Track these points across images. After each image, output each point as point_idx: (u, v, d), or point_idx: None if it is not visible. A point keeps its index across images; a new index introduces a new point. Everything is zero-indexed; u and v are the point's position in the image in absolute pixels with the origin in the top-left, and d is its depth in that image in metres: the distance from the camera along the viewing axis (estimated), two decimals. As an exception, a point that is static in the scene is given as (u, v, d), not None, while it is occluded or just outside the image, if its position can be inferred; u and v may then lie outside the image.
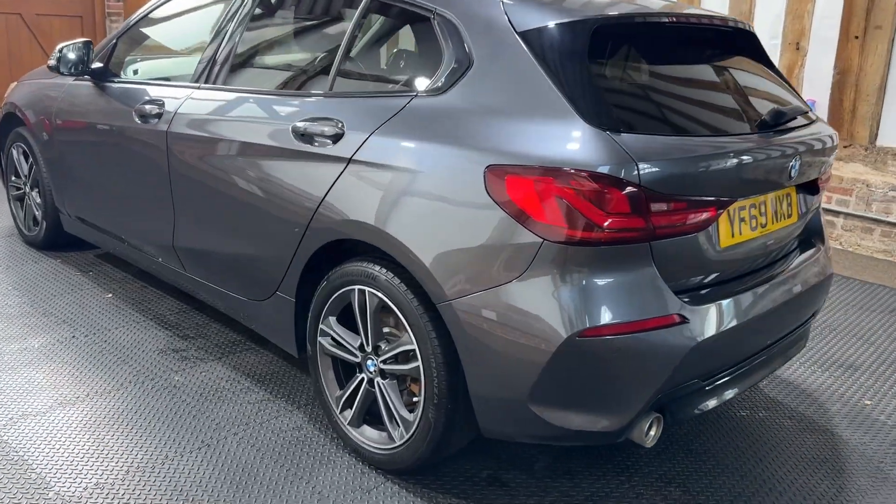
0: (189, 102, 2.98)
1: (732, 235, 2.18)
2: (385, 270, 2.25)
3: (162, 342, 3.24)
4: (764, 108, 2.40)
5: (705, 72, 2.48)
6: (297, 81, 2.80)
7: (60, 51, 3.45)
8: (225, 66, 2.94)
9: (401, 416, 2.31)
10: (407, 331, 2.22)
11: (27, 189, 4.28)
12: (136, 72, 3.64)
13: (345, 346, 2.45)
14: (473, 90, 2.15)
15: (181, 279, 3.23)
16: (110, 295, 3.73)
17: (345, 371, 2.54)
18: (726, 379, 2.26)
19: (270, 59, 3.07)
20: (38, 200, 4.18)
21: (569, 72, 2.07)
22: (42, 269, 4.01)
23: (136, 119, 3.18)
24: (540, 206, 1.93)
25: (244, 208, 2.71)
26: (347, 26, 2.58)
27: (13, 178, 4.41)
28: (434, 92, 2.23)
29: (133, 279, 3.94)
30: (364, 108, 2.37)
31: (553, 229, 1.92)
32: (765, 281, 2.33)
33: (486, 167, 2.01)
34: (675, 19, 2.34)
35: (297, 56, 3.03)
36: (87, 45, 3.47)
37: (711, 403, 2.23)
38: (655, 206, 1.94)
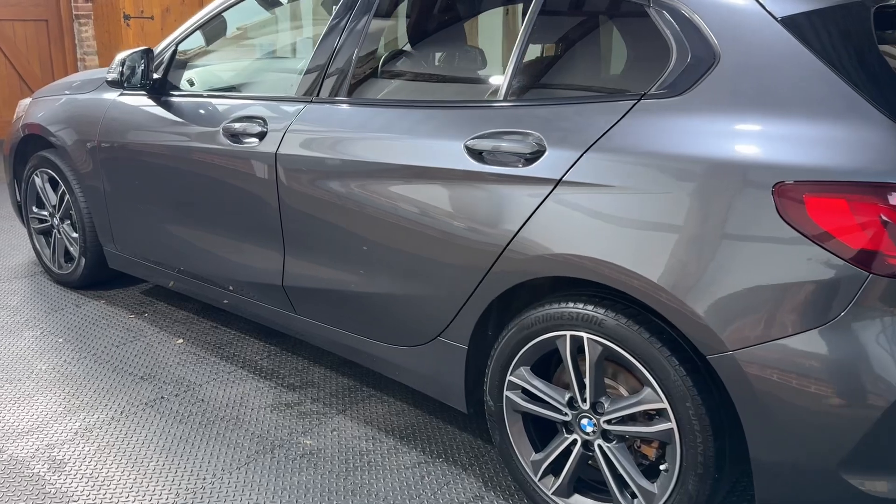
0: (304, 119, 2.52)
1: None
2: (614, 314, 1.86)
3: (268, 396, 2.79)
4: None
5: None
6: (457, 89, 2.37)
7: (124, 63, 2.94)
8: (347, 74, 2.48)
9: (638, 486, 1.93)
10: (652, 386, 1.84)
11: (56, 222, 3.74)
12: (196, 83, 3.15)
13: (547, 402, 2.06)
14: (726, 89, 1.77)
15: (286, 321, 2.78)
16: (181, 340, 3.25)
17: (539, 429, 2.15)
18: None
19: (412, 63, 2.63)
20: (74, 234, 3.65)
21: (857, 63, 1.70)
22: (89, 315, 3.50)
23: (225, 139, 2.70)
24: (860, 231, 1.57)
25: (394, 242, 2.28)
26: (520, 20, 2.17)
27: (35, 209, 3.86)
28: (666, 93, 1.84)
29: (198, 318, 3.46)
30: (569, 117, 1.96)
31: (881, 259, 1.56)
32: None
33: (774, 185, 1.63)
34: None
35: (450, 59, 2.60)
36: (149, 54, 2.97)
37: None
38: None
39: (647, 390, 1.86)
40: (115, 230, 3.39)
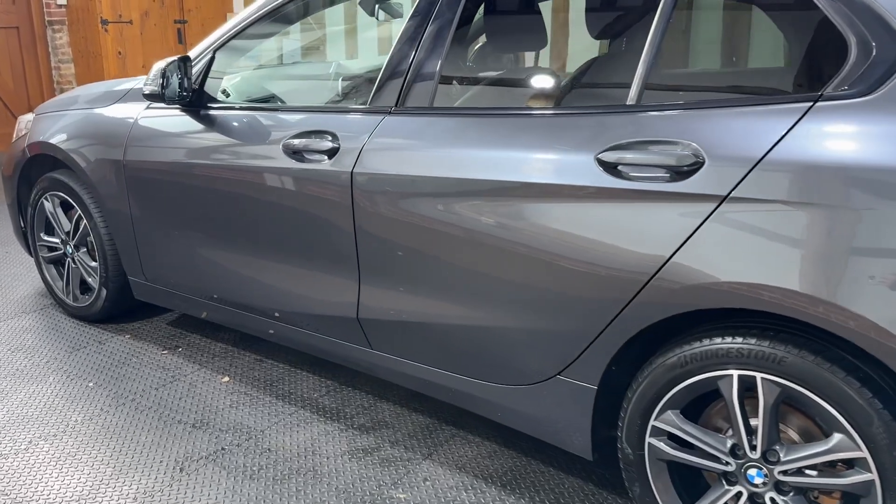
0: (384, 132, 2.23)
1: None
2: (797, 349, 1.61)
3: (340, 441, 2.50)
4: None
5: None
6: (577, 94, 2.10)
7: (163, 73, 2.61)
8: (434, 81, 2.20)
9: (823, 543, 1.69)
10: (846, 432, 1.59)
11: (69, 249, 3.39)
12: (237, 94, 2.84)
13: (703, 451, 1.80)
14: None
15: (355, 355, 2.48)
16: (226, 378, 2.93)
17: (684, 477, 1.90)
18: None
19: (508, 67, 2.34)
20: (92, 263, 3.31)
21: None
22: (116, 352, 3.16)
23: (286, 157, 2.40)
24: None
25: (507, 271, 2.00)
26: (647, 15, 1.90)
27: (43, 235, 3.50)
28: (848, 93, 1.59)
29: (238, 350, 3.15)
30: (730, 124, 1.70)
31: None
32: None
33: None
34: None
35: (560, 58, 2.32)
36: (187, 63, 2.65)
37: None
38: None
39: (839, 436, 1.61)
40: (143, 257, 3.06)
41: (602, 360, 1.91)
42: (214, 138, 2.66)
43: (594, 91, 2.13)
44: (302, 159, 2.37)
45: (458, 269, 2.10)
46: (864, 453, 1.58)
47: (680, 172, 1.71)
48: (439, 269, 2.15)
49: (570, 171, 1.86)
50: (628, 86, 1.87)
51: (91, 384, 2.89)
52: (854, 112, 1.58)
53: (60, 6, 7.91)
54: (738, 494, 1.78)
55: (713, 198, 1.66)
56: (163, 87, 2.64)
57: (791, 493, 1.72)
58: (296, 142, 2.39)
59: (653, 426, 1.85)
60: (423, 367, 2.33)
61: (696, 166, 1.69)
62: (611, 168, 1.80)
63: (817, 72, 1.67)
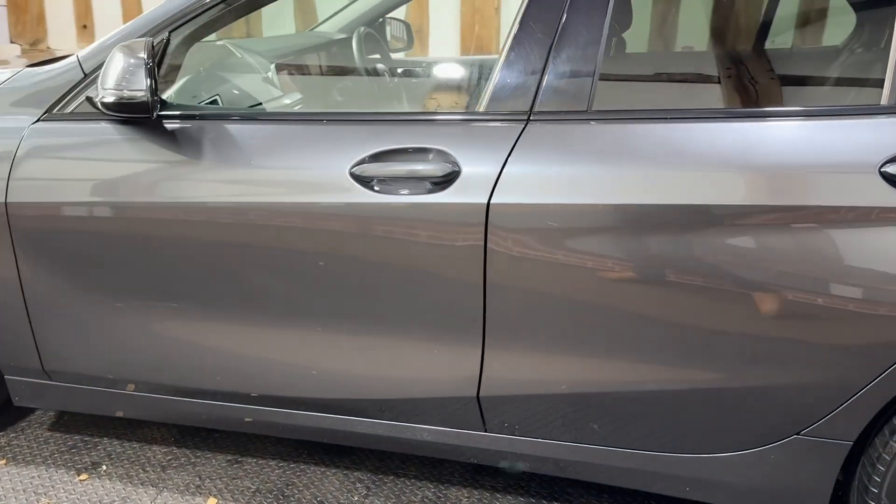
0: (531, 145, 1.66)
1: None
2: None
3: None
4: None
5: None
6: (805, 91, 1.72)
7: (127, 70, 1.69)
8: (594, 75, 1.67)
9: None
10: None
11: None
12: (227, 99, 2.01)
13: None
14: None
15: (467, 443, 1.88)
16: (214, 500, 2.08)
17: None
18: None
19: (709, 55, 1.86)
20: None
21: None
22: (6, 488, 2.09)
23: (361, 188, 1.70)
24: None
25: (732, 316, 1.60)
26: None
27: None
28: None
29: (194, 456, 2.27)
30: None
31: None
32: None
33: None
34: None
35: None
36: (154, 50, 1.77)
37: None
38: None
39: None
40: (43, 342, 2.05)
41: (867, 413, 1.60)
42: (197, 163, 1.83)
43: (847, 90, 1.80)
44: (390, 191, 1.70)
45: (653, 320, 1.64)
46: None
47: None
48: (618, 322, 1.67)
49: (840, 187, 1.52)
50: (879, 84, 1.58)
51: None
52: None
53: None
54: None
55: None
56: (119, 89, 1.73)
57: None
58: (378, 167, 1.71)
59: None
60: (565, 445, 1.82)
61: None
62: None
63: None
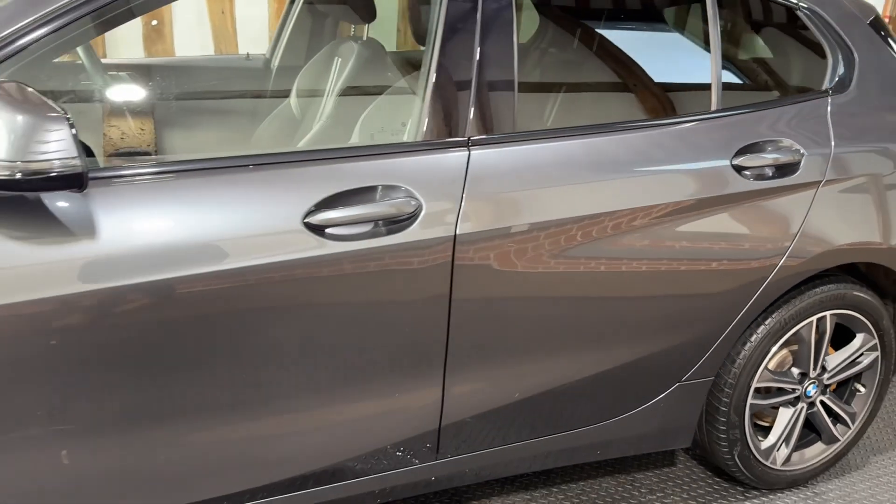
0: (483, 174, 1.63)
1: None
2: (859, 286, 2.19)
3: None
4: None
5: None
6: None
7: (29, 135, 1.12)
8: (512, 102, 1.70)
9: (846, 412, 2.33)
10: (868, 330, 2.25)
11: None
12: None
13: (781, 390, 2.21)
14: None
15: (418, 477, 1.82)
16: None
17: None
18: None
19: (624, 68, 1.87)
20: None
21: None
22: None
23: (316, 238, 1.50)
24: None
25: (647, 294, 1.89)
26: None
27: None
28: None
29: None
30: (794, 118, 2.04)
31: None
32: None
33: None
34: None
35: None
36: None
37: None
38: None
39: (862, 335, 2.26)
40: None
41: (724, 349, 2.06)
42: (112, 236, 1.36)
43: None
44: (346, 237, 1.52)
45: (598, 312, 1.84)
46: (875, 339, 2.29)
47: (783, 170, 1.99)
48: (567, 322, 1.82)
49: (706, 182, 1.90)
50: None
51: None
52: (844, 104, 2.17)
53: None
54: (801, 409, 2.26)
55: (814, 184, 2.02)
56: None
57: (829, 393, 2.31)
58: (331, 213, 1.51)
59: (754, 388, 2.15)
60: (504, 449, 1.92)
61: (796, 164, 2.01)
62: (738, 171, 1.92)
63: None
